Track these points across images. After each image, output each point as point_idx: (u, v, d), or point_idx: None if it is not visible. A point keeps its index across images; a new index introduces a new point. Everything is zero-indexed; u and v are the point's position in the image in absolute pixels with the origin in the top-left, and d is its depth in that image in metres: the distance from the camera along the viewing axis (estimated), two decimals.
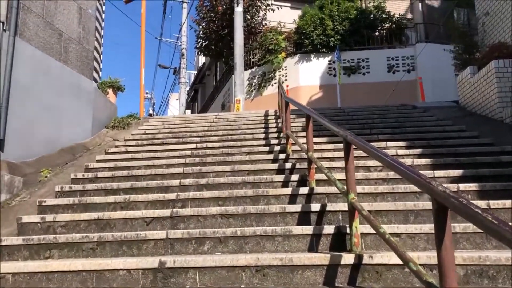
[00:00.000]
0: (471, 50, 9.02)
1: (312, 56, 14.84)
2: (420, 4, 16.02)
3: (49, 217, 4.58)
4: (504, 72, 7.58)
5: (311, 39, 14.52)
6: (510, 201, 4.01)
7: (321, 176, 5.03)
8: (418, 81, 13.77)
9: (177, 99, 26.65)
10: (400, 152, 6.02)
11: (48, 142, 7.78)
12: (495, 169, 5.13)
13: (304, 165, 5.63)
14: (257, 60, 16.05)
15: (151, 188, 5.36)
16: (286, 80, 15.13)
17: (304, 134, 7.53)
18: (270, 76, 15.48)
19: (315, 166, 4.90)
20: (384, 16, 14.90)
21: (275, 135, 7.62)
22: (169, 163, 6.36)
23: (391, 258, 3.08)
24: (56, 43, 8.20)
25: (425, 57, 14.07)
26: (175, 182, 5.38)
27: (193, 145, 7.29)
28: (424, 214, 4.09)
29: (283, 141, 7.03)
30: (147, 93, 40.36)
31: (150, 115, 40.78)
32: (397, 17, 14.90)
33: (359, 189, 4.42)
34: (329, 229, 3.75)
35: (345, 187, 3.63)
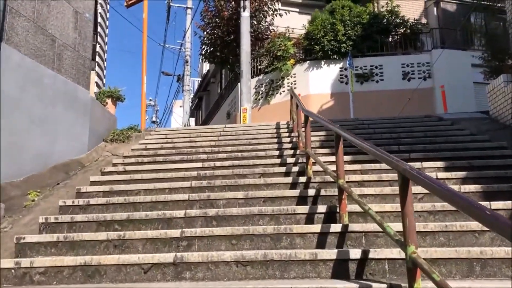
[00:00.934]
0: (503, 56, 8.14)
1: (323, 62, 13.99)
2: (435, 9, 15.17)
3: (26, 262, 3.71)
4: None
5: (321, 45, 13.66)
6: None
7: (354, 207, 4.17)
8: (440, 89, 12.86)
9: (180, 106, 25.85)
10: (441, 175, 5.14)
11: (38, 159, 6.94)
12: None
13: (330, 191, 4.76)
14: (264, 67, 15.20)
15: (151, 221, 4.49)
16: (295, 88, 14.25)
17: (323, 151, 6.69)
18: (278, 84, 14.63)
19: (346, 194, 4.03)
20: (398, 20, 14.04)
21: (291, 152, 6.74)
22: (173, 186, 5.49)
23: None
24: (48, 50, 7.37)
25: (442, 63, 13.20)
26: (180, 213, 4.51)
27: (199, 164, 6.42)
28: (493, 264, 3.21)
29: (300, 160, 6.16)
30: (150, 100, 39.61)
31: (154, 122, 40.02)
32: (412, 22, 14.04)
33: (399, 225, 3.58)
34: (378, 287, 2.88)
35: (399, 234, 2.76)
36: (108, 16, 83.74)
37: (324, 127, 8.03)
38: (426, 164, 5.50)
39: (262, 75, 15.18)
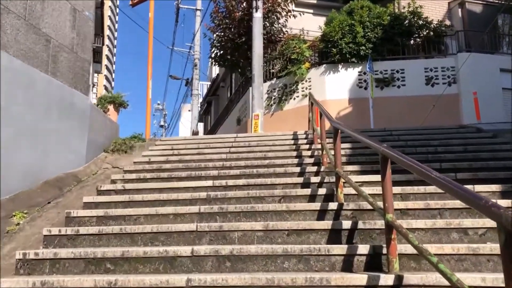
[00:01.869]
0: None
1: (340, 66, 13.09)
2: (459, 10, 14.22)
3: None
4: None
5: (339, 48, 12.78)
6: None
7: (403, 248, 3.30)
8: (467, 95, 11.90)
9: (189, 110, 25.10)
10: (501, 202, 4.24)
11: (28, 173, 6.14)
12: None
13: (370, 223, 3.89)
14: (277, 71, 14.34)
15: (150, 259, 3.64)
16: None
17: (351, 168, 5.81)
18: (292, 88, 13.75)
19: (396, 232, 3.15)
20: (420, 22, 13.11)
21: (314, 168, 5.86)
22: (178, 211, 4.64)
23: None
24: (42, 51, 6.57)
25: (468, 68, 12.25)
26: (186, 250, 3.64)
27: (209, 182, 5.56)
28: None
29: (327, 179, 5.29)
30: (158, 104, 38.94)
31: (162, 126, 39.31)
32: (436, 24, 13.11)
33: (468, 279, 2.72)
34: None
35: None
36: (117, 19, 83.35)
37: (350, 138, 7.18)
38: (478, 188, 4.60)
39: (275, 79, 14.33)
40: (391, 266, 3.13)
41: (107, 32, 73.15)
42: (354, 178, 5.06)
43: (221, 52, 15.66)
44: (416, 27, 13.19)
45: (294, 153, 6.73)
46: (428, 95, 12.55)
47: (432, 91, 12.64)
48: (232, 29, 14.91)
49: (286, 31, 15.05)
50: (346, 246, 3.50)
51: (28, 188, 6.06)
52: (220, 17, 15.24)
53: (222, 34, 15.16)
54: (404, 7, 13.50)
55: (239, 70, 16.04)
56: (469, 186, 4.54)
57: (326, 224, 3.96)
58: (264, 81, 13.13)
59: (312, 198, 4.82)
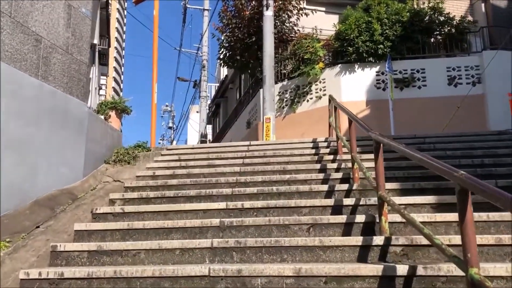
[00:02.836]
0: None
1: (357, 66, 12.13)
2: (483, 5, 13.21)
3: None
4: None
5: (355, 46, 11.82)
6: None
7: None
8: (508, 97, 10.84)
9: (197, 112, 24.26)
10: None
11: (15, 192, 5.27)
12: None
13: (433, 269, 2.96)
14: (289, 71, 13.41)
15: None
16: (324, 95, 12.45)
17: (389, 186, 4.87)
18: (305, 90, 12.81)
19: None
20: (442, 18, 12.13)
21: (344, 186, 4.92)
22: (186, 246, 3.73)
23: None
24: (30, 53, 5.71)
25: (494, 67, 11.24)
26: None
27: (222, 204, 4.64)
28: None
29: (363, 201, 4.36)
30: (166, 106, 38.17)
31: (170, 128, 38.54)
32: (459, 20, 12.11)
33: None
34: None
35: None
36: (125, 21, 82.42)
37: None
38: None
39: (287, 80, 13.39)
40: None
41: (115, 34, 72.34)
42: (393, 199, 4.13)
43: (230, 52, 14.76)
44: (437, 24, 12.19)
45: (317, 166, 5.81)
46: (451, 96, 11.56)
47: (455, 92, 11.66)
48: (242, 29, 13.99)
49: (298, 30, 14.12)
50: None
51: (14, 209, 5.20)
52: (229, 16, 14.33)
53: (231, 34, 14.24)
54: (423, 3, 12.50)
55: (249, 71, 15.13)
56: None
57: (375, 269, 3.03)
58: (275, 82, 12.20)
59: (348, 227, 3.90)
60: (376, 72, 12.11)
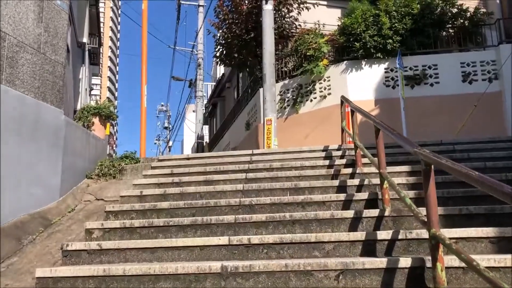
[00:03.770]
0: None
1: (364, 63, 11.17)
2: None
3: None
4: None
5: (362, 41, 10.86)
6: None
7: None
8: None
9: (193, 111, 23.28)
10: None
11: None
12: None
13: None
14: (291, 69, 12.44)
15: None
16: (329, 94, 11.50)
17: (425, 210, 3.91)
18: (308, 89, 11.85)
19: None
20: (454, 10, 11.18)
21: (373, 212, 3.94)
22: None
23: None
24: None
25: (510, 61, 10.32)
26: None
27: (224, 239, 3.64)
28: None
29: (401, 234, 3.41)
30: (162, 105, 37.14)
31: (166, 128, 37.51)
32: (473, 12, 11.15)
33: None
34: None
35: None
36: (119, 20, 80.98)
37: (404, 155, 5.32)
38: None
39: (288, 79, 12.42)
40: None
41: (109, 33, 70.94)
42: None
43: (227, 50, 13.73)
44: (449, 16, 11.24)
45: (335, 182, 4.84)
46: (465, 94, 10.65)
47: (470, 89, 10.73)
48: (239, 24, 12.97)
49: (299, 25, 13.12)
50: None
51: None
52: (225, 11, 13.30)
53: (228, 30, 13.22)
54: None
55: (247, 69, 14.15)
56: None
57: None
58: (276, 81, 11.22)
59: (389, 275, 2.94)
60: (385, 68, 11.16)
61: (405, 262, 3.00)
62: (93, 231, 4.25)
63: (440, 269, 2.71)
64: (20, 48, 5.15)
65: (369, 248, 3.41)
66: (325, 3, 14.56)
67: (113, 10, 67.50)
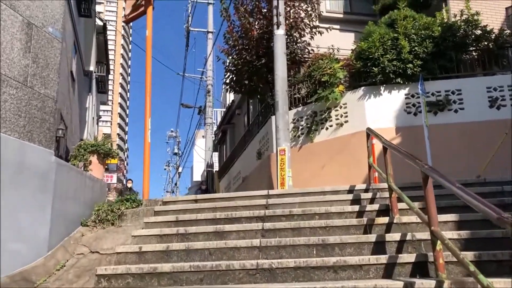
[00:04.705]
0: None
1: (383, 88, 10.38)
2: None
3: None
4: None
5: (381, 66, 10.10)
6: None
7: None
8: None
9: (203, 136, 22.59)
10: None
11: None
12: None
13: None
14: (304, 96, 11.70)
15: None
16: (346, 122, 10.69)
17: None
18: (323, 116, 11.05)
19: None
20: (478, 32, 10.42)
21: (428, 283, 3.09)
22: None
23: None
24: None
25: None
26: None
27: None
28: None
29: None
30: (172, 131, 36.59)
31: (176, 154, 36.85)
32: (497, 33, 10.37)
33: None
34: None
35: None
36: (130, 48, 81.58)
37: (457, 202, 4.45)
38: None
39: (301, 106, 11.65)
40: None
41: (120, 60, 71.32)
42: None
43: (237, 76, 13.06)
44: (472, 38, 10.46)
45: (371, 238, 3.97)
46: (493, 120, 9.76)
47: (498, 115, 9.84)
48: (249, 50, 12.32)
49: (312, 49, 12.44)
50: None
51: None
52: (235, 37, 12.67)
53: (238, 56, 12.56)
54: (455, 15, 10.79)
55: (258, 96, 13.41)
56: None
57: None
58: (289, 108, 10.45)
59: None
60: (406, 94, 10.34)
61: None
62: None
63: None
64: (2, 82, 4.44)
65: None
66: (338, 27, 13.91)
67: (124, 38, 68.00)
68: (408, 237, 3.88)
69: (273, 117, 11.21)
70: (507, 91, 9.99)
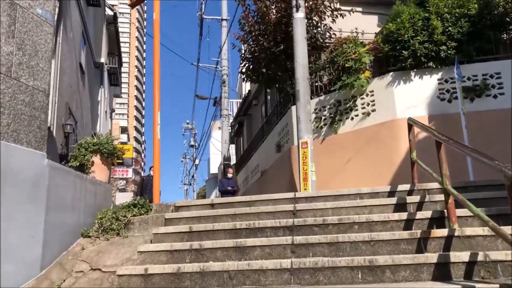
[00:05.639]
0: None
1: (413, 73, 9.41)
2: None
3: None
4: None
5: (411, 49, 9.13)
6: None
7: None
8: None
9: (219, 128, 21.85)
10: None
11: None
12: None
13: None
14: (326, 84, 10.80)
15: None
16: (373, 110, 9.77)
17: None
18: (348, 105, 10.15)
19: None
20: None
21: None
22: None
23: None
24: None
25: None
26: None
27: None
28: None
29: None
30: (187, 123, 35.95)
31: (192, 146, 36.23)
32: None
33: None
34: None
35: None
36: (145, 40, 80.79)
37: None
38: None
39: (324, 94, 10.76)
40: None
41: (135, 52, 70.68)
42: None
43: (254, 65, 12.20)
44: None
45: (431, 258, 3.13)
46: None
47: None
48: (266, 36, 11.42)
49: (334, 33, 11.49)
50: None
51: None
52: (250, 22, 11.77)
53: (254, 42, 11.67)
54: None
55: (277, 85, 12.52)
56: None
57: None
58: (310, 98, 9.58)
59: None
60: (438, 79, 9.35)
61: None
62: None
63: None
64: None
65: None
66: (360, 9, 12.89)
67: (138, 30, 67.42)
68: (480, 257, 3.03)
69: (293, 107, 10.36)
70: None
